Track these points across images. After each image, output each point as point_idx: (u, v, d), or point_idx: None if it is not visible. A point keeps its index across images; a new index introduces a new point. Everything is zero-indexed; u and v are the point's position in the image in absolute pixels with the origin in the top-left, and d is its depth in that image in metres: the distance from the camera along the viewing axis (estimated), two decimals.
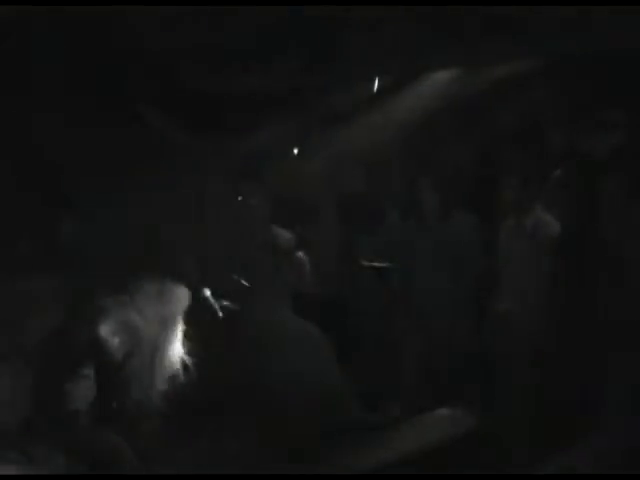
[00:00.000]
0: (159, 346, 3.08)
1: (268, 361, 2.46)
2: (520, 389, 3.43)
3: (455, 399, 2.80)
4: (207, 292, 3.23)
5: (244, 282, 3.11)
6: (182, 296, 3.29)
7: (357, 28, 3.82)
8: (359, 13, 3.67)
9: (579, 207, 3.80)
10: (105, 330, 3.02)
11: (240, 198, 4.90)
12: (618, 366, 3.41)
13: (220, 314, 3.18)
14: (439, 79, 4.74)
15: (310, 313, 2.60)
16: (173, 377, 3.11)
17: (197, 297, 3.30)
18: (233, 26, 3.89)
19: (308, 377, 2.43)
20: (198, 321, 3.22)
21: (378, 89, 4.85)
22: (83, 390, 2.95)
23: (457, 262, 3.98)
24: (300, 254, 3.47)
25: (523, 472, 2.37)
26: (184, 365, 3.15)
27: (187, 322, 3.17)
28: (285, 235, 2.71)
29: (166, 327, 3.13)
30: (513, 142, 5.02)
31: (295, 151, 5.22)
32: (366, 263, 3.48)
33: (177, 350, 3.18)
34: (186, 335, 3.18)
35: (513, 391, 3.44)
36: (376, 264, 3.48)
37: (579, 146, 4.52)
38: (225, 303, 3.19)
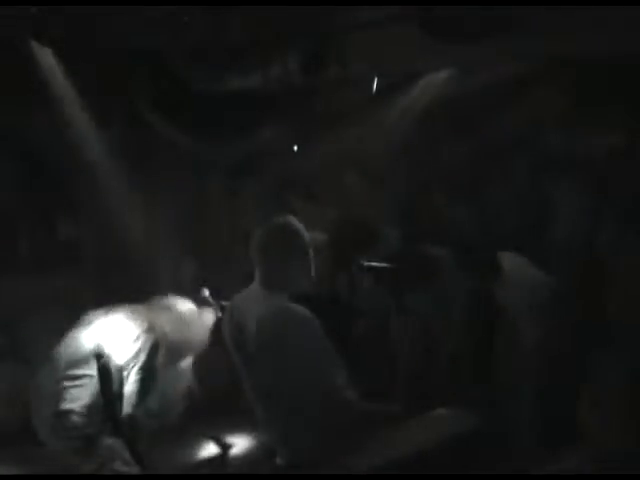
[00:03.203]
0: (164, 351, 3.09)
1: (269, 353, 2.47)
2: (520, 389, 3.43)
3: (455, 399, 2.80)
4: (206, 292, 3.24)
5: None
6: (187, 301, 3.30)
7: (357, 28, 3.82)
8: (359, 13, 3.67)
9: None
10: (111, 334, 3.02)
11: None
12: (616, 368, 3.41)
13: (220, 314, 3.17)
14: (439, 79, 4.74)
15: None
16: (177, 381, 3.12)
17: (198, 298, 3.31)
18: (233, 26, 3.89)
19: (308, 368, 2.44)
20: (203, 320, 3.22)
21: (378, 89, 4.85)
22: (86, 392, 2.95)
23: None
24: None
25: (523, 472, 2.37)
26: (189, 368, 3.15)
27: (194, 323, 3.18)
28: (319, 235, 2.72)
29: (171, 332, 3.14)
30: (513, 144, 5.03)
31: (295, 148, 5.22)
32: (366, 263, 3.47)
33: (183, 355, 3.18)
34: (192, 339, 3.19)
35: (513, 391, 3.44)
36: (376, 264, 3.47)
37: (579, 147, 4.53)
38: (224, 303, 3.18)
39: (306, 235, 2.62)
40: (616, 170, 4.16)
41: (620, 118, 4.27)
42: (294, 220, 2.65)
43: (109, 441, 2.90)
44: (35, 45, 3.95)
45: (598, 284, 3.66)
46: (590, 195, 4.05)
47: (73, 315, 3.52)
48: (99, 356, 2.96)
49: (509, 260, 3.54)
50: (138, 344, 3.02)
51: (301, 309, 2.49)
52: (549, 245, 4.25)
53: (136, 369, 2.99)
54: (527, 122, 4.88)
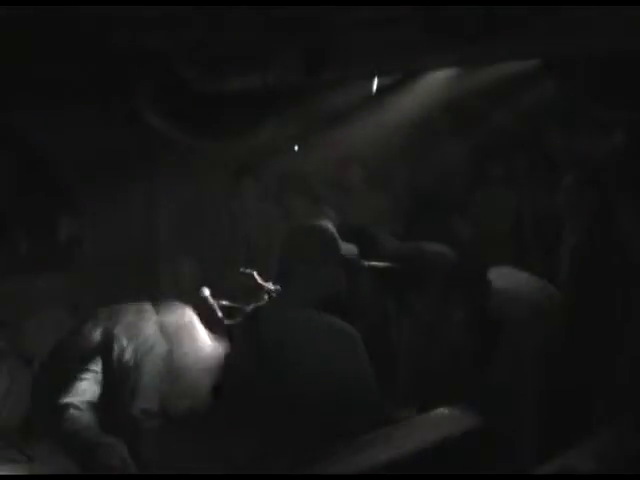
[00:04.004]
0: (172, 351, 3.08)
1: (299, 360, 2.46)
2: (520, 389, 3.43)
3: (455, 399, 2.80)
4: (206, 292, 3.22)
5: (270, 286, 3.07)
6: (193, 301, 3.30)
7: (356, 28, 3.82)
8: (358, 13, 3.67)
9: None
10: (117, 333, 3.02)
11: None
12: (617, 366, 3.42)
13: (219, 314, 3.17)
14: (439, 79, 4.75)
15: None
16: (180, 382, 3.11)
17: (198, 298, 3.30)
18: (232, 26, 3.89)
19: (341, 375, 2.43)
20: (216, 325, 3.22)
21: (378, 89, 4.85)
22: (87, 388, 2.95)
23: None
24: None
25: (523, 472, 2.37)
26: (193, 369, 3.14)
27: (202, 326, 3.17)
28: (352, 248, 2.72)
29: (175, 333, 3.14)
30: (512, 144, 5.04)
31: (296, 148, 5.24)
32: (366, 263, 3.47)
33: (192, 355, 3.17)
34: (196, 340, 3.18)
35: (514, 391, 3.44)
36: (376, 264, 3.46)
37: (579, 147, 4.53)
38: (224, 303, 3.18)
39: (339, 239, 2.61)
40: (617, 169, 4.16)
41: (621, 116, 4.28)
42: (329, 224, 2.64)
43: (108, 439, 2.90)
44: (35, 44, 3.95)
45: (600, 286, 3.66)
46: (591, 195, 4.05)
47: (77, 313, 3.52)
48: (102, 353, 2.96)
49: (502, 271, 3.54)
50: (142, 343, 3.02)
51: (347, 325, 2.49)
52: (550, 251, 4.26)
53: (139, 368, 2.99)
54: (527, 122, 4.89)
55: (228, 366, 2.76)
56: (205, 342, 3.10)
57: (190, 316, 3.18)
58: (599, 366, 3.43)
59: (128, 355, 2.99)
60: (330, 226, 2.62)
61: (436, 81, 4.78)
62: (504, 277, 3.46)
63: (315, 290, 2.55)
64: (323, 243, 2.57)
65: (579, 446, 2.36)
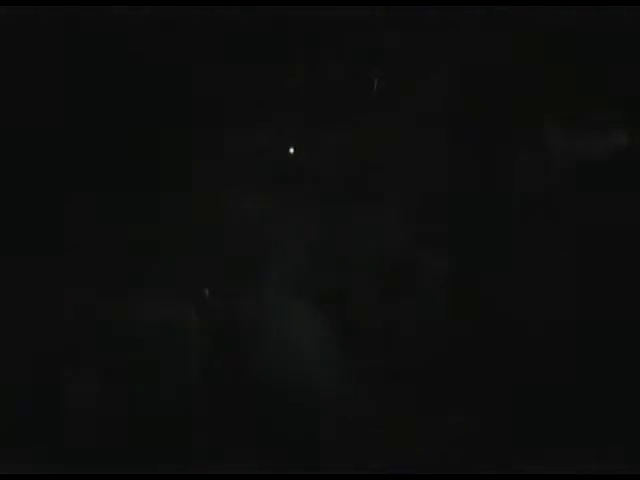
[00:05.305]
0: (165, 348, 3.10)
1: (269, 346, 2.52)
2: (520, 388, 3.44)
3: (455, 399, 2.81)
4: (206, 292, 3.23)
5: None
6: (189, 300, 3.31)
7: (357, 28, 3.83)
8: (359, 13, 3.68)
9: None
10: (111, 331, 3.03)
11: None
12: (614, 367, 3.42)
13: (219, 314, 3.18)
14: (439, 79, 4.74)
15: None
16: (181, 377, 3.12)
17: (198, 298, 3.31)
18: (233, 26, 3.89)
19: (310, 362, 2.48)
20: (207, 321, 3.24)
21: (378, 89, 4.85)
22: (87, 390, 2.96)
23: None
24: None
25: (522, 472, 2.37)
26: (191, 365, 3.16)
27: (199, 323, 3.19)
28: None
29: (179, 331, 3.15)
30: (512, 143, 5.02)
31: (291, 150, 5.23)
32: (366, 263, 3.48)
33: (184, 353, 3.19)
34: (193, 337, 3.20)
35: (513, 391, 3.44)
36: (375, 264, 3.47)
37: (578, 147, 4.53)
38: (224, 303, 3.19)
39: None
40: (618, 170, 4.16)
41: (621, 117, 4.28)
42: None
43: (107, 435, 2.91)
44: (35, 44, 3.96)
45: (601, 286, 3.66)
46: (591, 195, 4.05)
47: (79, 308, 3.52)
48: (103, 349, 2.97)
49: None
50: (139, 340, 3.03)
51: (313, 308, 2.56)
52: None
53: (139, 365, 3.00)
54: (528, 123, 4.88)
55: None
56: (199, 336, 3.12)
57: (184, 310, 3.19)
58: (599, 366, 3.43)
59: (122, 354, 2.99)
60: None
61: (436, 81, 4.77)
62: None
63: (295, 281, 2.64)
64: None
65: (579, 446, 2.36)
